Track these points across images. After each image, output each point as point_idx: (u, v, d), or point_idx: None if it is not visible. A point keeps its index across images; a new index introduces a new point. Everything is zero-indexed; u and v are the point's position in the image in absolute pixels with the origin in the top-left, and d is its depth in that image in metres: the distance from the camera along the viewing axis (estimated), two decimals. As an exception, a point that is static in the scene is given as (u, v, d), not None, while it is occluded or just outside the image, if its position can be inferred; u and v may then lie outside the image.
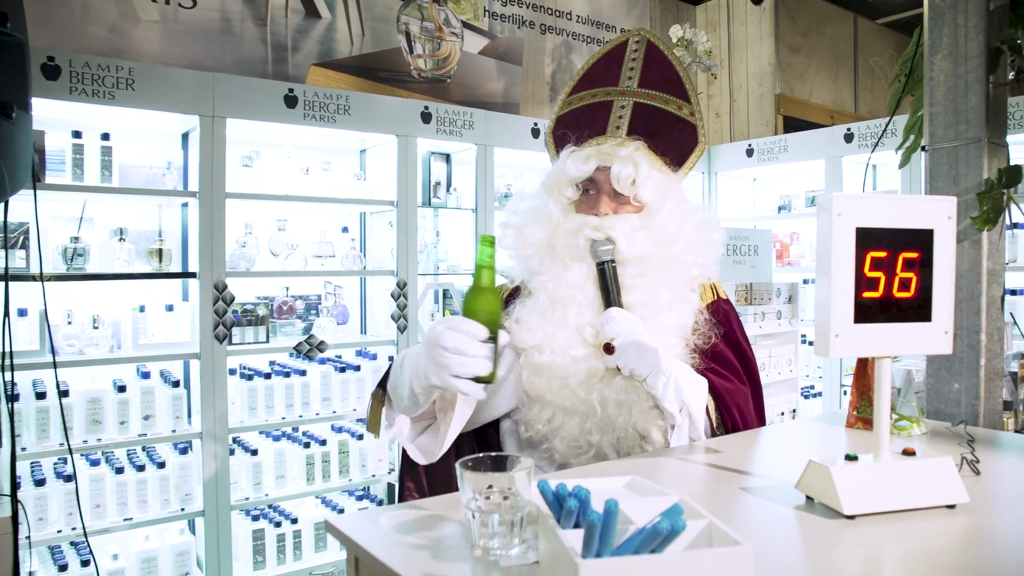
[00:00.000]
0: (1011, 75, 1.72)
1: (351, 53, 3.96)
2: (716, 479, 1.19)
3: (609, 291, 1.41)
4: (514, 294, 1.58)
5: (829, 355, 1.03)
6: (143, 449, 2.97)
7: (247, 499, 3.07)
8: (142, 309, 2.91)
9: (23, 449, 2.62)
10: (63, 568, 2.63)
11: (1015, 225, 3.28)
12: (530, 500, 0.89)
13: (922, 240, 1.06)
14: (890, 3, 5.88)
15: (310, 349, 3.18)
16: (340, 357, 3.47)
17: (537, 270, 1.51)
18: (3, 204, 2.19)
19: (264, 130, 3.23)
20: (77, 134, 2.79)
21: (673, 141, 1.53)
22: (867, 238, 1.02)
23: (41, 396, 2.65)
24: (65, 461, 2.71)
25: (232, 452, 3.06)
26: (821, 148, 4.19)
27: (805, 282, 4.18)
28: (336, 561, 3.22)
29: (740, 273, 3.46)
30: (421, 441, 1.43)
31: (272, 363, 3.33)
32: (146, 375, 2.90)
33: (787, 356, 3.60)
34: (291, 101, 3.12)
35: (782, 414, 3.57)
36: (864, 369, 1.53)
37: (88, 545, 2.64)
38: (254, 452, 3.10)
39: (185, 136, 3.13)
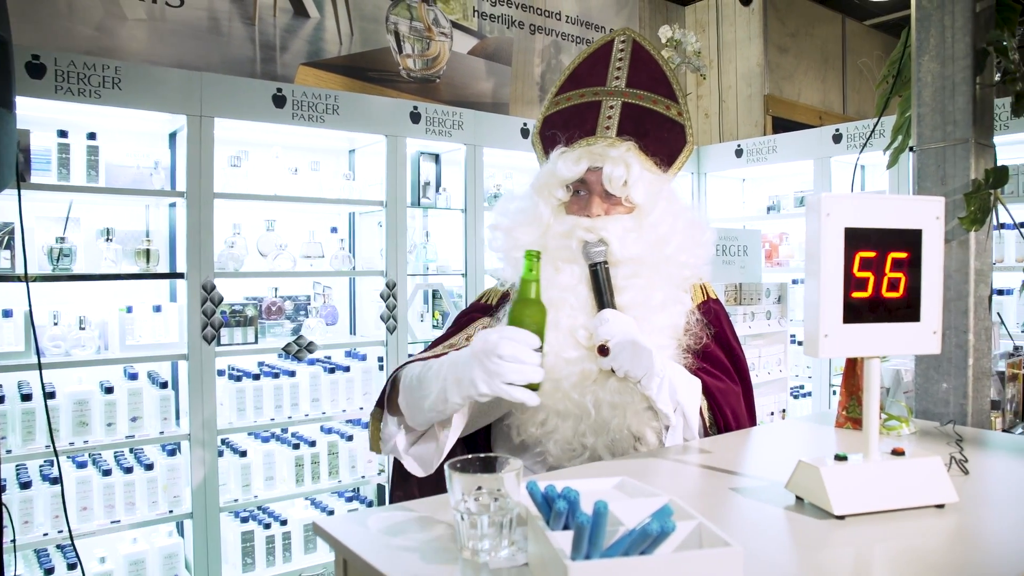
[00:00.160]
0: (997, 76, 1.73)
1: (340, 53, 3.95)
2: (706, 479, 1.18)
3: (602, 293, 1.40)
4: (504, 299, 1.58)
5: (818, 355, 1.03)
6: (131, 451, 2.95)
7: (236, 501, 3.05)
8: (129, 310, 2.89)
9: (8, 451, 2.60)
10: (49, 572, 2.60)
11: (1002, 225, 3.30)
12: (519, 502, 0.89)
13: (910, 240, 1.06)
14: (878, 4, 5.91)
15: (299, 350, 3.16)
16: (329, 358, 3.46)
17: None
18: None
19: (252, 130, 3.21)
20: (63, 133, 2.76)
21: (662, 141, 1.53)
22: (856, 238, 1.03)
23: (27, 398, 2.62)
24: (51, 463, 2.69)
25: (221, 454, 3.04)
26: (810, 149, 4.20)
27: (794, 282, 4.19)
28: (326, 563, 3.20)
29: (729, 273, 3.47)
30: (415, 451, 1.42)
31: (261, 364, 3.31)
32: (133, 376, 2.87)
33: (776, 356, 3.61)
34: (279, 101, 3.11)
35: (772, 414, 3.58)
36: (853, 369, 1.53)
37: (74, 548, 2.61)
38: (243, 453, 3.08)
39: (172, 136, 3.11)
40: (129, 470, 2.80)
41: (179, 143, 3.01)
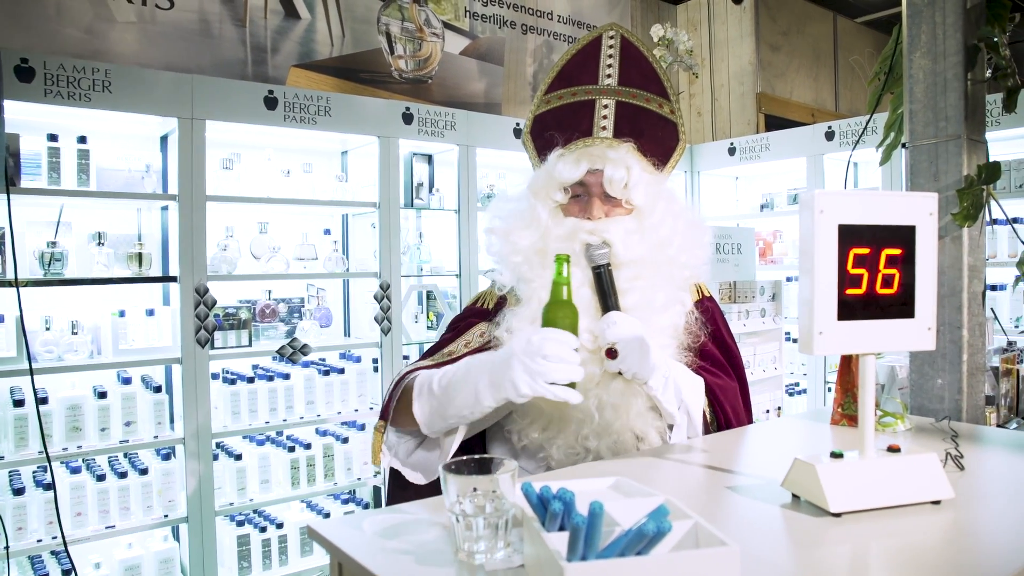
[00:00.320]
0: (988, 73, 1.73)
1: (331, 54, 3.94)
2: (702, 478, 1.18)
3: (607, 295, 1.39)
4: (500, 303, 1.56)
5: (813, 352, 1.03)
6: (125, 456, 2.93)
7: (231, 504, 3.04)
8: (122, 314, 2.88)
9: (1, 458, 2.58)
10: (43, 578, 2.59)
11: (994, 221, 3.30)
12: (515, 503, 0.88)
13: (904, 237, 1.06)
14: (869, 2, 5.93)
15: (293, 352, 3.15)
16: (324, 360, 3.45)
17: (527, 277, 1.48)
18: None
19: (244, 132, 3.20)
20: (53, 137, 2.75)
21: (657, 141, 1.53)
22: (850, 235, 1.02)
23: (19, 404, 2.60)
24: (45, 469, 2.67)
25: (216, 457, 3.03)
26: (802, 146, 4.21)
27: (788, 280, 4.20)
28: (322, 566, 3.19)
29: (724, 271, 3.47)
30: (414, 459, 1.42)
31: (255, 367, 3.30)
32: (127, 381, 2.86)
33: (771, 354, 3.62)
34: (271, 103, 3.09)
35: (767, 412, 3.58)
36: (848, 366, 1.53)
37: (68, 554, 2.60)
38: (238, 457, 3.07)
39: (164, 139, 3.10)
40: (123, 475, 2.78)
41: (171, 146, 3.00)
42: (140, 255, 2.92)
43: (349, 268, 3.52)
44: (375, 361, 3.45)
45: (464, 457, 0.94)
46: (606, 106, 1.51)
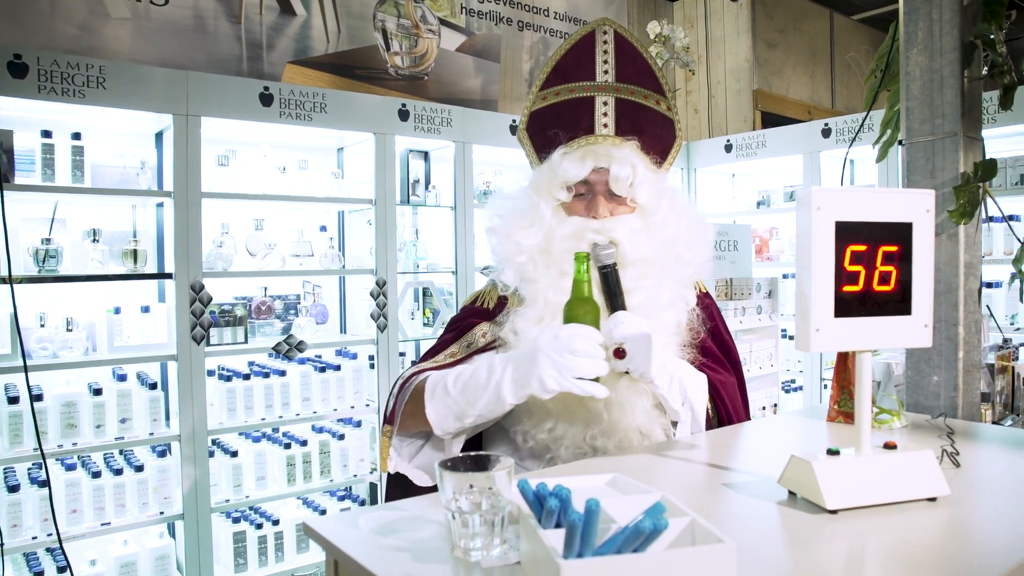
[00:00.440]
0: (985, 70, 1.73)
1: (327, 51, 3.93)
2: (698, 475, 1.18)
3: (614, 295, 1.39)
4: (501, 303, 1.55)
5: (810, 349, 1.03)
6: (120, 452, 2.93)
7: (227, 501, 3.03)
8: (117, 311, 2.87)
9: (-4, 455, 2.58)
10: (39, 575, 2.58)
11: (991, 218, 3.31)
12: (511, 500, 0.88)
13: (901, 234, 1.06)
14: (865, -1, 5.93)
15: (289, 349, 3.15)
16: (320, 357, 3.44)
17: (531, 277, 1.47)
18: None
19: (240, 129, 3.19)
20: (47, 133, 2.73)
21: (656, 138, 1.53)
22: (847, 232, 1.02)
23: (13, 401, 2.60)
24: (40, 466, 2.66)
25: (212, 454, 3.02)
26: (799, 143, 4.21)
27: (785, 277, 4.20)
28: (319, 563, 3.19)
29: (720, 268, 3.47)
30: (419, 461, 1.41)
31: (251, 364, 3.29)
32: (122, 377, 2.85)
33: (768, 351, 3.62)
34: (267, 99, 3.08)
35: (763, 409, 3.58)
36: (844, 363, 1.53)
37: (63, 551, 2.59)
38: (234, 454, 3.06)
39: (159, 135, 3.08)
40: (119, 472, 2.78)
41: (166, 142, 2.99)
42: (135, 252, 2.91)
43: (345, 265, 3.51)
44: (371, 358, 3.45)
45: (460, 454, 0.93)
46: (606, 103, 1.50)
